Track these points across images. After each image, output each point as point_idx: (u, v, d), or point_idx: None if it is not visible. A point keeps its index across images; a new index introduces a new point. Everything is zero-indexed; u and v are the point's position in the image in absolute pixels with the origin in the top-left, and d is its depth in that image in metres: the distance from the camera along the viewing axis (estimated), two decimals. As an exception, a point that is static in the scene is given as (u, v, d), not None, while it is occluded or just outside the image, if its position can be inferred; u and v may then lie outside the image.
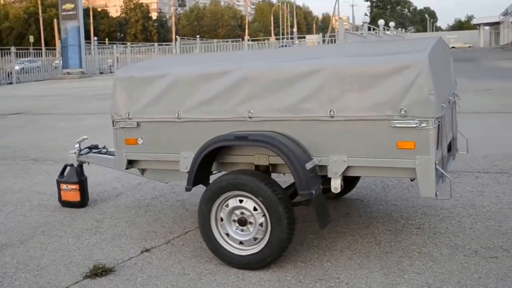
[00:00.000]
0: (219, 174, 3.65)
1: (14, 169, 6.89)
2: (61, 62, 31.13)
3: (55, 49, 36.41)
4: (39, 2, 70.11)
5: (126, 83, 3.86)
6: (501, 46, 56.35)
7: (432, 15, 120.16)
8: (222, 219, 3.45)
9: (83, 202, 5.00)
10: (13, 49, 28.51)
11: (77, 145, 4.91)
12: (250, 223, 3.37)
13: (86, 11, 74.80)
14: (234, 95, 3.47)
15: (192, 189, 3.52)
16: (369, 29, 24.11)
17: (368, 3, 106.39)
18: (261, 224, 3.32)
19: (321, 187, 3.28)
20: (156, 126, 3.77)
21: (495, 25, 74.13)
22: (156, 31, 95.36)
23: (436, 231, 3.95)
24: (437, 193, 3.10)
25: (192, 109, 3.61)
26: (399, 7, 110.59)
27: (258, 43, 50.57)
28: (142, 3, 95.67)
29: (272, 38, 61.45)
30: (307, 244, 3.81)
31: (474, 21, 79.27)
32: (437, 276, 3.23)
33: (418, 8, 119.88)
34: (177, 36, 51.75)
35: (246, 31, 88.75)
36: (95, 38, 37.59)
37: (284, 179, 4.32)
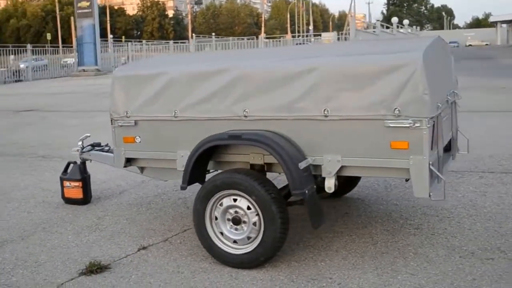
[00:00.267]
0: (216, 173, 3.67)
1: (22, 166, 6.97)
2: (77, 59, 31.34)
3: (71, 47, 36.73)
4: (56, 0, 70.73)
5: (124, 82, 3.89)
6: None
7: (449, 12, 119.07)
8: (216, 218, 3.46)
9: (86, 199, 5.05)
10: (29, 46, 28.79)
11: (80, 143, 4.95)
12: (244, 222, 3.37)
13: (103, 9, 75.44)
14: (230, 94, 3.47)
15: (187, 188, 3.53)
16: (382, 27, 23.97)
17: (385, 0, 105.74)
18: (254, 223, 3.32)
19: (315, 186, 3.28)
20: (154, 124, 3.80)
21: (512, 22, 73.17)
22: (172, 29, 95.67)
23: (434, 231, 3.93)
24: (431, 193, 3.08)
25: (189, 108, 3.62)
26: (415, 5, 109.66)
27: (273, 40, 50.57)
28: (159, 1, 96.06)
29: (288, 35, 61.38)
30: (303, 244, 3.81)
31: (491, 19, 78.30)
32: (430, 277, 3.21)
33: (435, 5, 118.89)
34: (193, 34, 51.90)
35: (262, 28, 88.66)
36: (111, 36, 37.76)
37: (283, 178, 4.31)
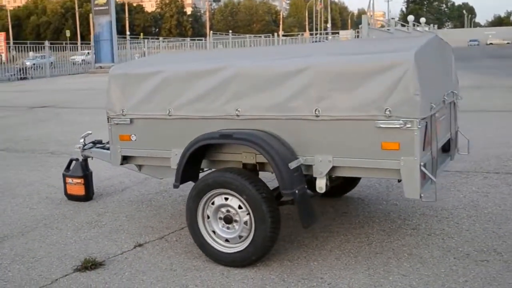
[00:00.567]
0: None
1: (31, 162, 7.05)
2: (94, 56, 31.60)
3: (89, 43, 37.03)
4: (76, -3, 71.38)
5: (120, 80, 3.91)
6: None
7: (471, 10, 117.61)
8: (208, 217, 3.46)
9: (88, 195, 5.09)
10: (47, 43, 29.11)
11: (82, 140, 5.00)
12: (236, 221, 3.38)
13: (121, 6, 75.95)
14: (223, 93, 3.47)
15: (179, 186, 3.55)
16: (402, 25, 23.79)
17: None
18: (245, 222, 3.32)
19: (306, 186, 3.26)
20: (149, 122, 3.81)
21: (535, 20, 72.02)
22: (190, 26, 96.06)
23: (431, 232, 3.89)
24: (422, 195, 3.05)
25: (183, 107, 3.63)
26: (436, 3, 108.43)
27: (291, 38, 50.52)
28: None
29: (307, 33, 61.27)
30: (297, 243, 3.80)
31: (513, 17, 77.16)
32: (422, 278, 3.18)
33: (456, 3, 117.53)
34: (211, 31, 52.04)
35: (281, 26, 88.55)
36: (128, 33, 38.01)
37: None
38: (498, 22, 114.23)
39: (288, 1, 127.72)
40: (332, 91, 3.13)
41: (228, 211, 3.39)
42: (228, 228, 3.42)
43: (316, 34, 59.31)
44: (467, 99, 11.71)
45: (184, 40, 40.24)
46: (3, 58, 30.29)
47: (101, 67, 30.04)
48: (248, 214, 3.29)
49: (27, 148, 8.09)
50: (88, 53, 36.14)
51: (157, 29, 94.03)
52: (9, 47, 34.00)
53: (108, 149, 4.81)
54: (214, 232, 3.47)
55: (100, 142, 4.99)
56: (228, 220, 3.39)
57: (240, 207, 3.33)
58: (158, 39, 41.16)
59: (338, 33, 55.30)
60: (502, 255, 3.44)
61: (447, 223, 4.05)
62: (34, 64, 29.10)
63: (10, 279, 3.45)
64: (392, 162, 3.05)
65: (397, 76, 2.94)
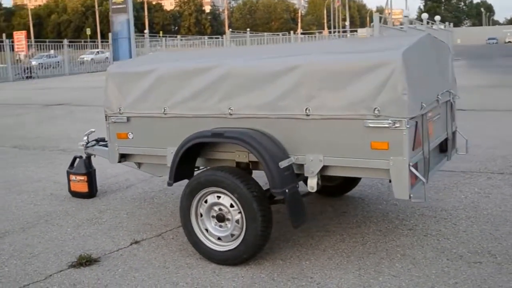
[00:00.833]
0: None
1: (40, 159, 7.15)
2: (112, 54, 31.82)
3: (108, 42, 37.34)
4: (96, -4, 72.01)
5: (118, 79, 3.95)
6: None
7: (489, 8, 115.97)
8: (201, 215, 3.49)
9: (91, 193, 5.15)
10: (65, 41, 29.42)
11: (85, 138, 5.05)
12: (228, 219, 3.39)
13: (141, 4, 76.38)
14: (216, 91, 3.49)
15: (173, 184, 3.58)
16: (410, 22, 23.52)
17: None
18: (237, 221, 3.34)
19: (297, 186, 3.27)
20: (145, 121, 3.85)
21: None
22: (209, 24, 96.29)
23: (427, 233, 3.87)
24: (411, 195, 3.04)
25: (177, 105, 3.66)
26: (454, 1, 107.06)
27: (308, 36, 50.38)
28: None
29: (325, 31, 61.03)
30: (292, 242, 3.80)
31: (533, 15, 76.06)
32: (412, 279, 3.16)
33: (475, 1, 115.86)
34: (230, 29, 52.11)
35: (299, 24, 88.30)
36: (146, 31, 38.28)
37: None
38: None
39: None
40: (322, 90, 3.13)
41: (220, 209, 3.41)
42: (220, 226, 3.44)
43: (334, 32, 59.10)
44: (481, 98, 11.64)
45: (201, 38, 40.33)
46: (21, 57, 30.53)
47: (118, 65, 30.19)
48: (240, 212, 3.31)
49: (38, 145, 8.20)
50: (98, 52, 36.11)
51: (176, 27, 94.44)
52: (30, 45, 34.47)
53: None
54: (207, 230, 3.49)
55: (103, 139, 5.04)
56: (221, 218, 3.41)
57: (232, 206, 3.34)
58: (176, 37, 41.36)
59: (356, 31, 54.96)
60: (496, 257, 3.41)
61: (444, 224, 4.02)
62: (40, 64, 29.17)
63: (6, 274, 3.51)
64: (381, 162, 3.04)
65: (385, 75, 2.93)
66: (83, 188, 5.13)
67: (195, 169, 3.80)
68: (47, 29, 78.58)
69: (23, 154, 7.59)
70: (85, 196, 5.14)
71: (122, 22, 30.72)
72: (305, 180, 4.77)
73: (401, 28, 16.81)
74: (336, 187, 4.68)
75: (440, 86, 3.63)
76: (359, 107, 3.03)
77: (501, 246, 3.58)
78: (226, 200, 3.35)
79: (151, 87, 3.75)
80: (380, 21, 17.23)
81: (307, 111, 3.19)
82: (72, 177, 5.15)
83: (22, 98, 16.53)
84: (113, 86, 3.97)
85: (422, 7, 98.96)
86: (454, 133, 4.06)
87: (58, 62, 30.83)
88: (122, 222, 4.44)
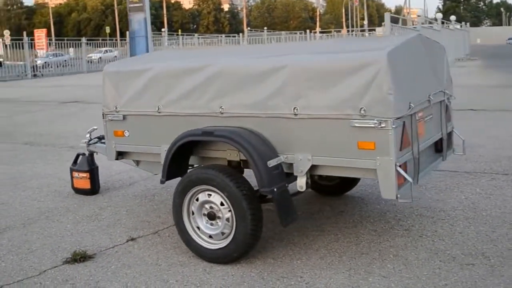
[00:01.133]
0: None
1: (49, 156, 7.24)
2: (129, 52, 32.03)
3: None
4: (115, -6, 72.56)
5: (114, 77, 3.99)
6: None
7: (509, 8, 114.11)
8: (193, 213, 3.50)
9: (94, 189, 5.20)
10: (83, 40, 29.71)
11: (88, 135, 5.11)
12: (219, 217, 3.40)
13: (159, 2, 76.73)
14: (208, 90, 3.51)
15: (165, 182, 3.60)
16: (430, 22, 23.37)
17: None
18: (227, 219, 3.35)
19: (286, 184, 3.26)
20: (140, 119, 3.88)
21: None
22: (228, 23, 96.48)
23: (423, 233, 3.84)
24: (398, 195, 3.02)
25: (171, 104, 3.69)
26: (473, 0, 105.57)
27: (327, 35, 50.22)
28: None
29: (344, 30, 60.77)
30: (287, 241, 3.80)
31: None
32: (402, 280, 3.14)
33: (494, 1, 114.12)
34: (248, 28, 52.11)
35: (317, 23, 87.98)
36: (163, 29, 38.48)
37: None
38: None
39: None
40: (309, 89, 3.13)
41: (211, 207, 3.42)
42: (211, 224, 3.45)
43: (352, 31, 58.80)
44: (493, 98, 11.51)
45: (217, 36, 40.43)
46: (39, 54, 30.80)
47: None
48: (230, 211, 3.32)
49: (49, 142, 8.30)
50: (106, 50, 35.99)
51: (194, 26, 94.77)
52: (50, 43, 34.90)
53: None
54: (198, 228, 3.51)
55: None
56: (212, 216, 3.42)
57: (222, 204, 3.35)
58: (193, 35, 41.51)
59: (374, 30, 54.62)
60: (489, 259, 3.37)
61: (441, 225, 3.99)
62: (45, 63, 28.89)
63: (2, 269, 3.56)
64: (368, 161, 3.03)
65: (370, 75, 2.92)
66: (86, 185, 5.18)
67: (190, 167, 3.82)
68: (68, 27, 79.42)
69: (33, 151, 7.69)
70: (87, 192, 5.19)
71: (139, 20, 30.92)
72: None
73: (415, 28, 16.65)
74: (335, 186, 4.66)
75: (432, 87, 3.60)
76: (345, 107, 3.02)
77: (496, 248, 3.54)
78: (216, 198, 3.37)
79: (146, 86, 3.79)
80: (398, 21, 17.15)
81: (295, 111, 3.19)
82: (75, 174, 5.21)
83: (39, 95, 16.74)
84: (109, 85, 4.01)
85: (440, 7, 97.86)
86: (450, 134, 4.02)
87: (65, 60, 30.69)
88: (121, 219, 4.48)
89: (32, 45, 29.69)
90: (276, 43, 31.98)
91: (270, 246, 3.70)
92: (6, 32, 31.60)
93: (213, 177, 3.30)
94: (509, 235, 3.75)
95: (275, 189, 3.15)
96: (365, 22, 70.58)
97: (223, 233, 3.40)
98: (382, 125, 2.92)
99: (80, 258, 3.64)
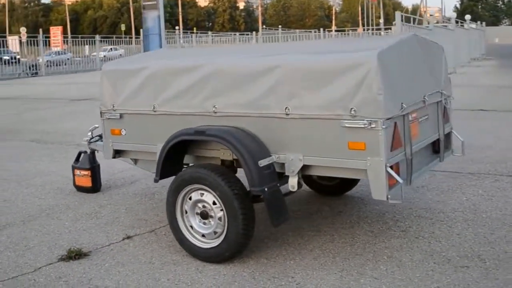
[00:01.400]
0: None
1: (55, 153, 7.29)
2: (143, 50, 32.14)
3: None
4: (131, -8, 72.94)
5: (111, 76, 4.01)
6: None
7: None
8: (186, 212, 3.50)
9: (95, 187, 5.23)
10: (97, 37, 29.91)
11: (89, 133, 5.13)
12: (211, 216, 3.40)
13: (175, 0, 76.95)
14: (202, 90, 3.52)
15: (159, 181, 3.61)
16: (448, 20, 23.14)
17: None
18: (219, 218, 3.34)
19: (278, 184, 3.25)
20: (136, 118, 3.90)
21: None
22: (243, 21, 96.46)
23: (419, 235, 3.80)
24: (389, 196, 2.99)
25: (166, 103, 3.70)
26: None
27: (342, 33, 50.01)
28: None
29: (360, 29, 60.48)
30: (282, 241, 3.79)
31: None
32: (394, 282, 3.12)
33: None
34: (264, 26, 52.06)
35: (333, 21, 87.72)
36: (177, 27, 38.62)
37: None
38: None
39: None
40: (301, 89, 3.12)
41: (204, 206, 3.42)
42: (204, 223, 3.45)
43: (368, 29, 58.47)
44: (504, 99, 11.36)
45: (231, 34, 40.47)
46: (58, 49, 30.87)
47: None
48: (222, 210, 3.31)
49: (56, 140, 8.36)
50: (111, 49, 35.71)
51: (210, 24, 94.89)
52: (66, 40, 35.12)
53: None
54: (191, 227, 3.51)
55: (106, 135, 5.11)
56: (204, 215, 3.42)
57: (214, 203, 3.35)
58: (207, 33, 41.59)
59: (390, 28, 54.29)
60: (484, 262, 3.33)
61: (439, 226, 3.95)
62: (48, 61, 28.50)
63: (-2, 266, 3.60)
64: (359, 162, 3.01)
65: (361, 75, 2.91)
66: (87, 182, 5.21)
67: (186, 166, 3.82)
68: (84, 25, 79.99)
69: (40, 148, 7.74)
70: (89, 190, 5.22)
71: (153, 18, 31.03)
72: (307, 182, 4.79)
73: (427, 27, 16.51)
74: (335, 186, 4.64)
75: (428, 87, 3.56)
76: (336, 107, 3.01)
77: (493, 250, 3.50)
78: (209, 197, 3.37)
79: (142, 85, 3.80)
80: (414, 21, 17.02)
81: (287, 110, 3.18)
82: (77, 172, 5.24)
83: (50, 92, 16.86)
84: (107, 83, 4.03)
85: (458, 5, 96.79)
86: (448, 135, 3.97)
87: (69, 59, 30.32)
88: (119, 217, 4.49)
89: (47, 43, 29.93)
90: (270, 43, 31.98)
91: (264, 246, 3.69)
92: (23, 29, 31.94)
93: (205, 176, 3.30)
94: (507, 238, 3.70)
95: (266, 189, 3.14)
96: (381, 20, 70.13)
97: (215, 232, 3.39)
98: (372, 126, 2.90)
99: (75, 255, 3.66)
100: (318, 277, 3.21)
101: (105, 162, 5.46)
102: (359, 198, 4.71)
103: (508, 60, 26.71)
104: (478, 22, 34.15)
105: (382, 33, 50.88)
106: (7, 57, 26.50)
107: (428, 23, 16.76)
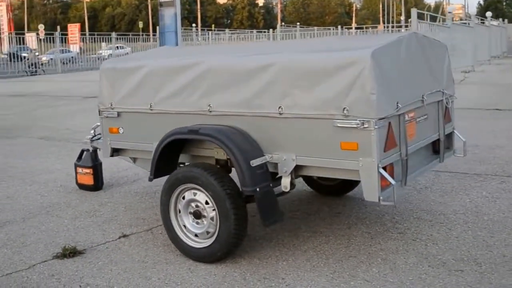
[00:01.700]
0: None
1: (61, 151, 7.34)
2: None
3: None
4: (149, -11, 73.32)
5: (110, 74, 4.01)
6: None
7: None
8: (180, 211, 3.49)
9: (97, 185, 5.24)
10: (113, 34, 30.08)
11: (92, 131, 5.14)
12: (204, 216, 3.39)
13: (193, -2, 77.07)
14: (197, 88, 3.50)
15: (153, 180, 3.60)
16: (469, 17, 22.78)
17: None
18: (212, 218, 3.33)
19: (270, 185, 3.22)
20: (134, 116, 3.90)
21: None
22: (262, 18, 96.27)
23: (417, 237, 3.74)
24: (381, 197, 2.94)
25: (162, 101, 3.69)
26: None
27: (362, 31, 49.71)
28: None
29: (380, 26, 60.05)
30: (276, 241, 3.75)
31: None
32: (385, 285, 3.07)
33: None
34: (282, 23, 51.92)
35: (354, 18, 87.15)
36: (193, 25, 38.72)
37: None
38: None
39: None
40: (294, 89, 3.08)
41: (197, 206, 3.40)
42: (197, 223, 3.43)
43: (388, 27, 58.00)
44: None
45: (247, 32, 40.43)
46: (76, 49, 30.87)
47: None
48: (214, 210, 3.29)
49: (64, 137, 8.41)
50: (118, 47, 35.31)
51: (228, 21, 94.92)
52: (84, 38, 35.44)
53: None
54: (185, 226, 3.49)
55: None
56: (197, 215, 3.40)
57: (207, 203, 3.33)
58: (224, 31, 41.62)
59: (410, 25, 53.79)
60: (480, 266, 3.26)
61: (438, 229, 3.88)
62: (51, 59, 27.90)
63: (-7, 262, 3.62)
64: (351, 162, 2.96)
65: (354, 75, 2.85)
66: (89, 180, 5.23)
67: (182, 165, 3.81)
68: (102, 22, 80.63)
69: (47, 146, 7.79)
70: (90, 188, 5.23)
71: (170, 15, 31.12)
72: (308, 182, 4.75)
73: (445, 24, 16.29)
74: (336, 186, 4.59)
75: (428, 86, 3.49)
76: (329, 107, 2.96)
77: (491, 254, 3.43)
78: (201, 197, 3.35)
79: (139, 83, 3.80)
80: (435, 18, 16.81)
81: (280, 110, 3.14)
82: (79, 170, 5.26)
83: (64, 90, 16.99)
84: (105, 82, 4.04)
85: (481, 2, 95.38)
86: (449, 135, 3.90)
87: (73, 57, 29.73)
88: (118, 215, 4.50)
89: (65, 40, 30.14)
90: (266, 41, 31.84)
91: (258, 246, 3.66)
92: (41, 27, 32.30)
93: (198, 175, 3.28)
94: (507, 241, 3.63)
95: (257, 189, 3.11)
96: (402, 17, 69.53)
97: (208, 232, 3.38)
98: (365, 126, 2.85)
99: (69, 253, 3.67)
100: (309, 279, 3.18)
101: (109, 160, 5.47)
102: (359, 198, 4.65)
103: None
104: (500, 19, 33.59)
105: (403, 30, 50.42)
106: (25, 54, 26.63)
107: (445, 21, 16.52)
